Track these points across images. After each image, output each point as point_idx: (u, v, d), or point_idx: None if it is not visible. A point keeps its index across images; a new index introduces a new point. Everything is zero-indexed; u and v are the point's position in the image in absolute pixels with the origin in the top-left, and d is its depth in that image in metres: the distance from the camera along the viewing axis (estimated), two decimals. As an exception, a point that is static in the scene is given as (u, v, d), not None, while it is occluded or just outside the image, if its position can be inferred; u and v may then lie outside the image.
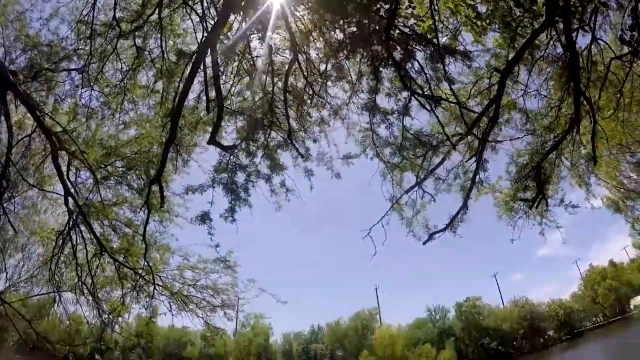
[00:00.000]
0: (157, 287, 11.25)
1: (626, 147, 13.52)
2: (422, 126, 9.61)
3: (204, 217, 8.36)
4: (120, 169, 10.85)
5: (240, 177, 8.92)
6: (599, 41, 8.08)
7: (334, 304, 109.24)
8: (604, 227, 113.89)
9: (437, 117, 8.51)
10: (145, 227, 9.64)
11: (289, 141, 8.90)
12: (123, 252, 10.97)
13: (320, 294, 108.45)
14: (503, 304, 65.47)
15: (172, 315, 11.93)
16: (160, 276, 11.46)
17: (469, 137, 9.26)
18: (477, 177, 9.27)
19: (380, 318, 60.70)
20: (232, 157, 8.90)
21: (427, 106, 8.43)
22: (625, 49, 7.12)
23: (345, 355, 55.45)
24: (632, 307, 61.32)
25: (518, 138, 9.99)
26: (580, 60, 7.58)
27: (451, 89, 8.03)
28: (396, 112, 8.91)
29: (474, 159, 9.18)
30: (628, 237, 14.57)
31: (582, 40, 7.89)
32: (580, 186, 13.41)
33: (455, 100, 8.03)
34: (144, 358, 53.91)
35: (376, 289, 68.76)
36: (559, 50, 8.17)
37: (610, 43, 8.36)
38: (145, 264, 10.59)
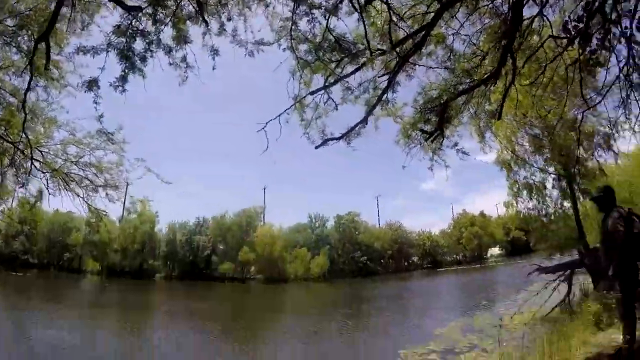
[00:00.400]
0: (35, 163, 9.98)
1: (529, 119, 13.71)
2: (346, 32, 8.71)
3: (92, 84, 7.50)
4: (10, 28, 9.11)
5: (139, 45, 7.67)
6: (545, 17, 7.81)
7: (223, 196, 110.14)
8: (487, 180, 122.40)
9: (364, 21, 7.74)
10: (26, 93, 8.75)
11: (199, 13, 7.67)
12: (3, 124, 9.55)
13: (211, 184, 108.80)
14: (379, 224, 68.46)
15: (49, 193, 10.92)
16: (41, 151, 10.20)
17: (388, 56, 8.81)
18: (385, 95, 9.14)
19: (264, 217, 61.34)
20: (134, 20, 7.56)
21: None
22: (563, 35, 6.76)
23: (226, 250, 55.71)
24: (489, 255, 67.41)
25: (436, 68, 9.61)
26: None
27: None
28: (323, 7, 7.91)
29: (387, 77, 8.97)
30: (505, 196, 14.90)
31: (529, 10, 7.60)
32: (478, 137, 13.67)
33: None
34: (28, 245, 51.44)
35: (264, 188, 69.13)
36: (505, 7, 7.87)
37: (554, 23, 8.04)
38: (24, 136, 9.35)
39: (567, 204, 14.33)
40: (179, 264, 54.95)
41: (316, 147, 9.31)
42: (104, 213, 12.84)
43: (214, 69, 8.28)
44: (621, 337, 5.32)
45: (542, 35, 8.15)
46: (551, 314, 11.44)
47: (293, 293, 37.31)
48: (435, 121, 9.36)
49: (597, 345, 6.20)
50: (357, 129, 9.30)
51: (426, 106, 9.63)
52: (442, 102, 9.04)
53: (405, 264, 64.51)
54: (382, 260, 61.57)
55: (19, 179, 10.73)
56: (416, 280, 43.97)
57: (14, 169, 10.47)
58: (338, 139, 9.26)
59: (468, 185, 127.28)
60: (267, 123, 8.92)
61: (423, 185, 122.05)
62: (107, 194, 11.51)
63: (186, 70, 8.27)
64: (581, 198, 13.86)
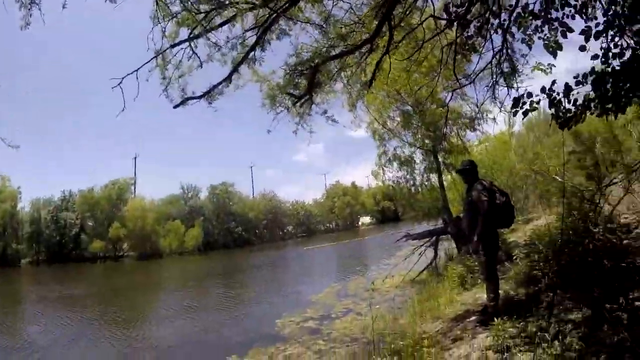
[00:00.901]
0: None
1: (402, 96, 14.01)
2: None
3: None
4: None
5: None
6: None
7: (89, 166, 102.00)
8: (358, 154, 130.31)
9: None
10: None
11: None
12: None
13: (75, 153, 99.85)
14: (253, 194, 68.65)
15: None
16: None
17: (261, 10, 8.12)
18: (254, 53, 8.54)
19: (135, 190, 57.59)
20: None
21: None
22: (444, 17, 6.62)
23: (96, 226, 50.94)
24: (360, 223, 71.61)
25: (311, 26, 8.95)
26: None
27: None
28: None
29: (259, 30, 8.29)
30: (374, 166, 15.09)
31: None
32: (349, 107, 14.05)
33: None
34: None
35: (135, 157, 64.86)
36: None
37: (438, 6, 8.01)
38: None
39: (433, 177, 15.28)
40: (46, 246, 49.15)
41: (175, 107, 8.61)
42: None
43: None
44: (485, 296, 5.83)
45: (424, 14, 8.39)
46: (420, 276, 12.32)
47: (169, 268, 35.75)
48: (305, 86, 9.11)
49: (464, 303, 6.76)
50: (220, 87, 8.74)
51: (296, 68, 9.18)
52: (312, 65, 8.74)
53: (280, 233, 65.64)
54: (257, 230, 61.94)
55: None
56: (291, 248, 44.86)
57: None
58: (199, 97, 8.66)
59: (340, 158, 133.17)
60: (122, 78, 7.92)
61: (296, 157, 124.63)
62: None
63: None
64: (446, 171, 14.96)
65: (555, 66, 4.36)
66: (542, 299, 4.91)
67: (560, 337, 3.76)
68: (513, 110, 4.34)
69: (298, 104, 9.28)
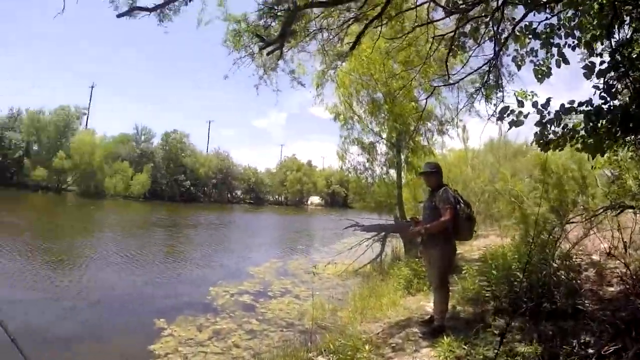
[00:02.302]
0: None
1: (374, 82, 13.65)
2: None
3: None
4: None
5: None
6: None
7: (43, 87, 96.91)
8: (317, 132, 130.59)
9: None
10: None
11: None
12: None
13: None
14: (207, 151, 67.31)
15: None
16: None
17: None
18: None
19: (87, 121, 54.94)
20: None
21: None
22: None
23: (40, 152, 48.03)
24: (309, 202, 72.01)
25: None
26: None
27: None
28: None
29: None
30: (331, 151, 14.92)
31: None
32: (317, 79, 13.67)
33: None
34: None
35: (92, 86, 61.82)
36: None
37: None
38: None
39: (392, 172, 15.19)
40: None
41: (118, 16, 7.51)
42: None
43: None
44: (430, 305, 5.76)
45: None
46: (363, 269, 12.29)
47: (111, 210, 34.49)
48: (277, 30, 8.31)
49: (407, 308, 6.69)
50: (176, 2, 7.76)
51: (273, 7, 8.26)
52: (293, 5, 7.82)
53: (229, 195, 64.83)
54: (205, 188, 60.82)
55: None
56: (238, 213, 44.48)
57: None
58: (149, 10, 7.63)
59: (299, 133, 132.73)
60: None
61: (255, 122, 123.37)
62: None
63: None
64: (405, 169, 14.89)
65: (538, 96, 4.21)
66: (488, 322, 4.85)
67: (509, 371, 3.67)
68: (497, 119, 4.23)
69: (266, 51, 8.55)
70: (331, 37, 9.29)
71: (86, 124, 54.68)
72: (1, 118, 48.49)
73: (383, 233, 12.73)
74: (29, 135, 47.51)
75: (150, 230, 23.75)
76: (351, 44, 8.63)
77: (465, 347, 4.15)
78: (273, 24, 8.48)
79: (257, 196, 66.13)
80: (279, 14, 8.14)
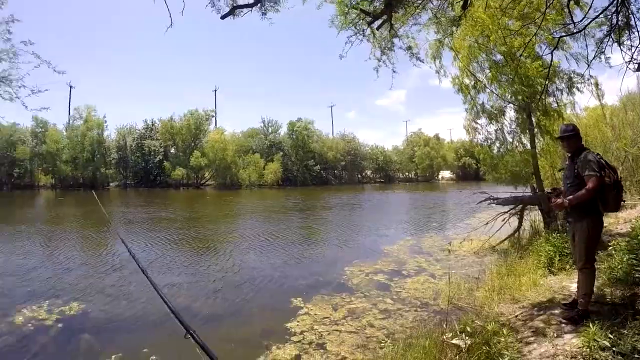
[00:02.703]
0: None
1: (491, 44, 12.51)
2: None
3: None
4: None
5: None
6: None
7: (170, 98, 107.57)
8: (442, 105, 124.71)
9: None
10: None
11: None
12: None
13: (154, 87, 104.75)
14: (333, 134, 68.85)
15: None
16: None
17: None
18: None
19: (216, 121, 59.78)
20: None
21: None
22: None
23: (177, 154, 54.38)
24: (439, 177, 70.01)
25: None
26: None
27: None
28: None
29: None
30: (459, 122, 13.97)
31: None
32: (434, 50, 12.69)
33: None
34: None
35: (215, 90, 66.78)
36: None
37: None
38: None
39: (524, 138, 14.13)
40: (133, 171, 54.02)
41: (222, 17, 7.70)
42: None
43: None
44: (574, 286, 5.33)
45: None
46: (500, 245, 11.77)
47: (248, 199, 37.44)
48: (381, 5, 7.87)
49: (548, 289, 6.29)
50: None
51: None
52: None
53: (358, 176, 66.02)
54: (335, 171, 62.61)
55: None
56: (368, 193, 45.13)
57: None
58: (251, 5, 7.66)
59: (422, 107, 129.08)
60: None
61: (377, 102, 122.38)
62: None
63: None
64: (539, 135, 13.72)
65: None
66: (638, 308, 4.38)
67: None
68: (636, 69, 3.71)
69: (375, 26, 8.30)
70: (442, 3, 8.80)
71: (215, 124, 59.53)
72: (139, 130, 55.82)
73: (520, 206, 11.98)
74: (165, 141, 53.74)
75: (286, 214, 25.24)
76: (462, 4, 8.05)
77: (612, 337, 3.74)
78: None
79: (386, 175, 66.34)
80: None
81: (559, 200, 4.70)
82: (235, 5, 7.68)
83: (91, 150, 50.85)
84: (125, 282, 9.79)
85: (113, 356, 5.74)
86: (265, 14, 7.86)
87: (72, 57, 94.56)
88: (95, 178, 51.03)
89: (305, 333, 6.59)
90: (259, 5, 7.76)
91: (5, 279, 10.14)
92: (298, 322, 7.08)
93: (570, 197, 4.56)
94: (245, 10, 7.75)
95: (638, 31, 5.20)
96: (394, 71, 9.32)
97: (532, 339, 4.48)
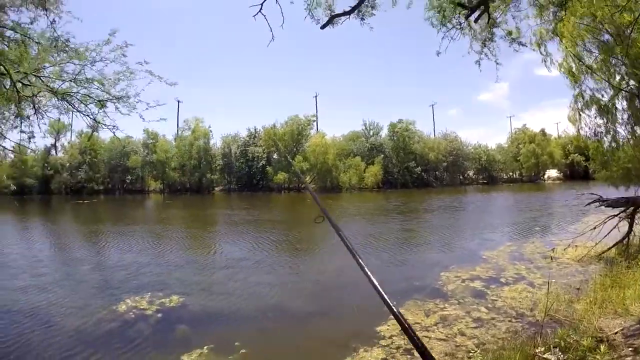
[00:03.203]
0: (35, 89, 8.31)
1: (599, 24, 11.15)
2: None
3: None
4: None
5: None
6: None
7: (271, 106, 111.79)
8: (547, 97, 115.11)
9: None
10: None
11: None
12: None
13: (256, 96, 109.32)
14: (434, 134, 67.27)
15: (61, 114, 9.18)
16: (40, 77, 8.44)
17: None
18: None
19: (317, 126, 61.33)
20: None
21: None
22: None
23: (280, 159, 57.04)
24: (546, 176, 65.17)
25: None
26: None
27: None
28: None
29: None
30: (566, 110, 12.87)
31: None
32: (538, 37, 11.55)
33: None
34: (91, 173, 56.08)
35: (316, 96, 68.28)
36: None
37: None
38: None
39: (638, 130, 12.90)
40: (236, 177, 57.90)
41: (322, 27, 7.93)
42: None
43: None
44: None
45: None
46: (607, 253, 10.93)
47: (349, 202, 38.18)
48: None
49: (657, 306, 5.85)
50: None
51: None
52: None
53: (460, 177, 63.91)
54: (436, 172, 61.20)
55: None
56: (471, 194, 43.84)
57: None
58: (348, 13, 7.80)
59: (527, 100, 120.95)
60: (262, 3, 7.38)
61: (479, 97, 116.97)
62: (116, 108, 10.22)
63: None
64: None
65: None
66: None
67: None
68: None
69: (472, 18, 8.17)
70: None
71: (316, 128, 60.97)
72: (243, 138, 59.51)
73: (632, 208, 11.02)
74: (267, 147, 56.32)
75: (388, 216, 25.49)
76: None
77: None
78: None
79: (489, 175, 63.49)
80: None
81: None
82: (333, 14, 8.01)
83: (198, 157, 56.41)
84: (227, 280, 10.73)
85: (205, 347, 6.36)
86: (363, 19, 8.13)
87: (181, 74, 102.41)
88: (201, 183, 56.48)
89: (394, 337, 6.67)
90: (356, 12, 8.01)
91: (116, 272, 11.66)
92: (388, 326, 7.15)
93: None
94: (343, 17, 8.05)
95: None
96: (498, 62, 9.13)
97: (630, 358, 4.27)
